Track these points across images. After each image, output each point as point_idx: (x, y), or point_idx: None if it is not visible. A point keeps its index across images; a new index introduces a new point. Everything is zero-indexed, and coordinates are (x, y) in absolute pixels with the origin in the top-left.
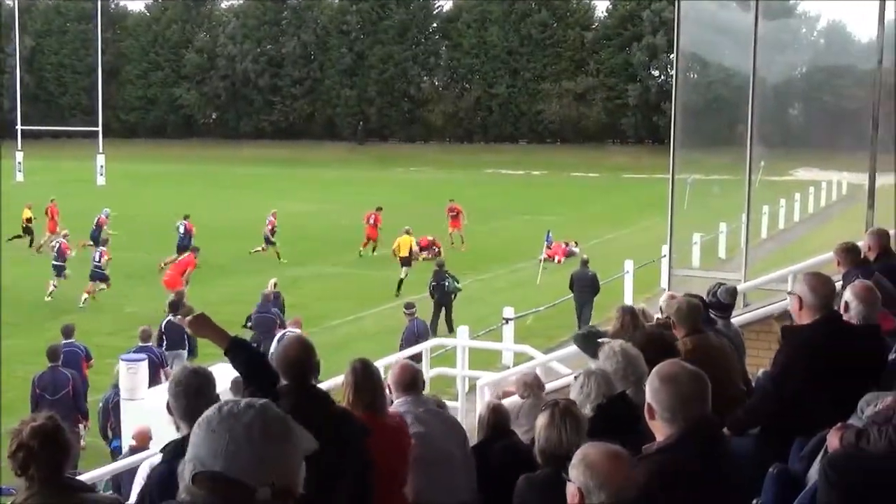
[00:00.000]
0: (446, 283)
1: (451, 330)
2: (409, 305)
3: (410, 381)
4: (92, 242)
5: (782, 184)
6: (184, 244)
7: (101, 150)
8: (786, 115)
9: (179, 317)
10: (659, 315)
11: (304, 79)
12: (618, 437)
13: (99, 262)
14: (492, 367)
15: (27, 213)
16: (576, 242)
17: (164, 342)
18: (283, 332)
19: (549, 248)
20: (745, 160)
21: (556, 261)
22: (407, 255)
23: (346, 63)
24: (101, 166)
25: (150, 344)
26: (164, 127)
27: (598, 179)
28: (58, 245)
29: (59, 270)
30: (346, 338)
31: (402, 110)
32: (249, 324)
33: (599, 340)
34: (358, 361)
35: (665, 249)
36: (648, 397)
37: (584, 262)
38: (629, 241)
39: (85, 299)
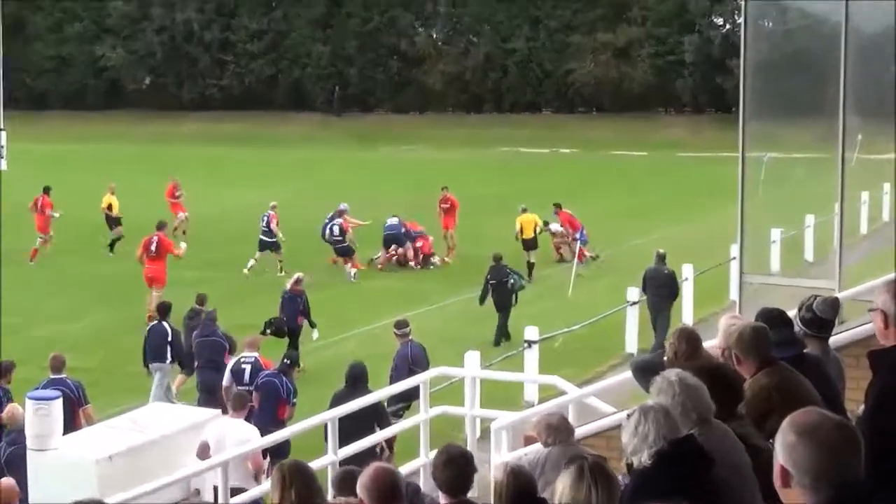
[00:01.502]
0: (511, 281)
1: (502, 340)
2: (400, 324)
3: (389, 494)
4: None
5: (886, 164)
6: (269, 241)
7: (0, 126)
8: (888, 74)
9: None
10: (717, 343)
11: (264, 32)
12: (685, 493)
13: None
14: (511, 405)
15: None
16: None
17: (147, 352)
18: (237, 358)
19: (583, 247)
20: (836, 134)
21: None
22: (532, 235)
23: (318, 11)
24: (1, 146)
25: (62, 375)
26: (84, 95)
27: (646, 160)
28: None
29: None
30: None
31: (390, 72)
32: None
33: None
34: (288, 465)
35: (734, 250)
36: (781, 457)
37: (660, 258)
38: (687, 239)
39: None
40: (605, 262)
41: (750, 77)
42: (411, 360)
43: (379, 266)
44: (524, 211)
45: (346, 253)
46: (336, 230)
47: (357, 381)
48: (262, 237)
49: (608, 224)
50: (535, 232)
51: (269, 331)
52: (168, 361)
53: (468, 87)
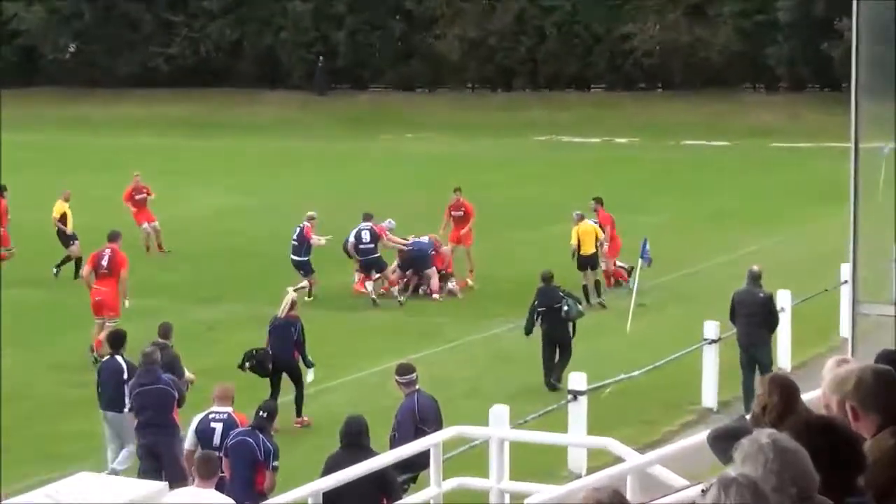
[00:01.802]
0: (566, 307)
1: (556, 383)
2: (404, 370)
3: None
4: None
5: None
6: (302, 257)
7: None
8: None
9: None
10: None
11: None
12: None
13: None
14: (550, 477)
15: None
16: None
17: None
18: (205, 415)
19: (646, 266)
20: None
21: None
22: (594, 250)
23: None
24: None
25: None
26: None
27: (728, 152)
28: None
29: None
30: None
31: (391, 36)
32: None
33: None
34: None
35: (845, 271)
36: None
37: (754, 277)
38: (783, 257)
39: None
40: (668, 287)
41: (866, 43)
42: (418, 416)
43: (379, 291)
44: (581, 219)
45: (378, 267)
46: (366, 236)
47: (356, 440)
48: (293, 256)
49: (680, 236)
50: (596, 246)
51: (248, 365)
52: (127, 409)
53: (493, 57)
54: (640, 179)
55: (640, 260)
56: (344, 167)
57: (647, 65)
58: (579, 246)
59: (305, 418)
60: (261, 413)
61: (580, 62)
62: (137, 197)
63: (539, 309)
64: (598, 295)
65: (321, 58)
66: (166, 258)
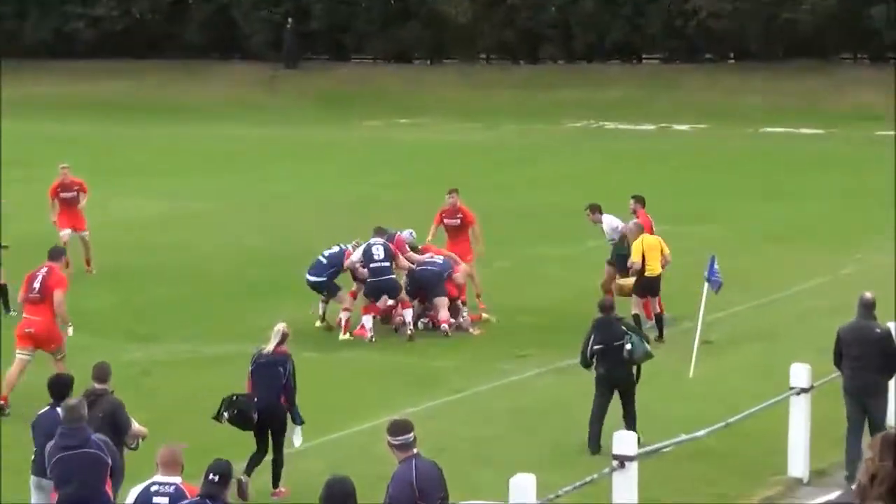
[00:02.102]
0: (629, 345)
1: (631, 427)
2: (398, 429)
3: None
4: None
5: None
6: (322, 277)
7: None
8: None
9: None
10: None
11: None
12: None
13: None
14: None
15: None
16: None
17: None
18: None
19: (714, 291)
20: None
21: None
22: (660, 270)
23: None
24: None
25: None
26: None
27: (820, 140)
28: None
29: None
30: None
31: None
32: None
33: None
34: None
35: None
36: None
37: (866, 307)
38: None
39: None
40: (740, 319)
41: None
42: (417, 488)
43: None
44: (641, 230)
45: (393, 291)
46: (379, 252)
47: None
48: (311, 277)
49: (755, 252)
50: (662, 264)
51: (226, 416)
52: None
53: (514, 20)
54: (705, 178)
55: (705, 283)
56: (318, 161)
57: (716, 29)
58: (644, 264)
59: (283, 489)
60: (211, 477)
61: (627, 25)
62: (64, 195)
63: (595, 347)
64: (661, 332)
65: (290, 19)
66: (91, 279)
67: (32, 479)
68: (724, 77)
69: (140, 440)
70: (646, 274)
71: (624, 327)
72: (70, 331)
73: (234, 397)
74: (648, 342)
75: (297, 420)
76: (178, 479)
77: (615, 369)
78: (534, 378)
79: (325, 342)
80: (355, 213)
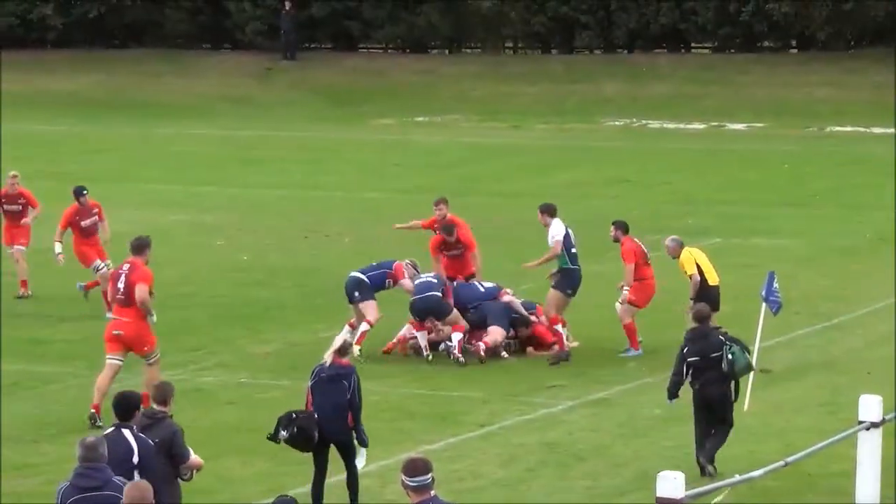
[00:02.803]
0: (729, 356)
1: (707, 466)
2: (414, 469)
3: None
4: None
5: None
6: (370, 280)
7: None
8: None
9: None
10: None
11: None
12: None
13: None
14: None
15: None
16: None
17: None
18: None
19: (773, 312)
20: None
21: None
22: (718, 281)
23: None
24: None
25: None
26: None
27: None
28: None
29: None
30: None
31: None
32: None
33: None
34: None
35: None
36: None
37: None
38: None
39: None
40: (802, 345)
41: None
42: None
43: (383, 351)
44: (681, 246)
45: (439, 312)
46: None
47: None
48: (353, 273)
49: (819, 269)
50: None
51: (284, 434)
52: None
53: (544, 5)
54: (762, 183)
55: (763, 304)
56: (321, 166)
57: (777, 14)
58: (702, 276)
59: None
60: None
61: (674, 11)
62: (8, 207)
63: (690, 360)
64: None
65: (287, 4)
66: (60, 300)
67: None
68: (785, 69)
69: (195, 472)
70: (710, 283)
71: (722, 337)
72: (153, 318)
73: (294, 415)
74: (750, 353)
75: (363, 441)
76: None
77: (711, 385)
78: (566, 412)
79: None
80: (360, 224)
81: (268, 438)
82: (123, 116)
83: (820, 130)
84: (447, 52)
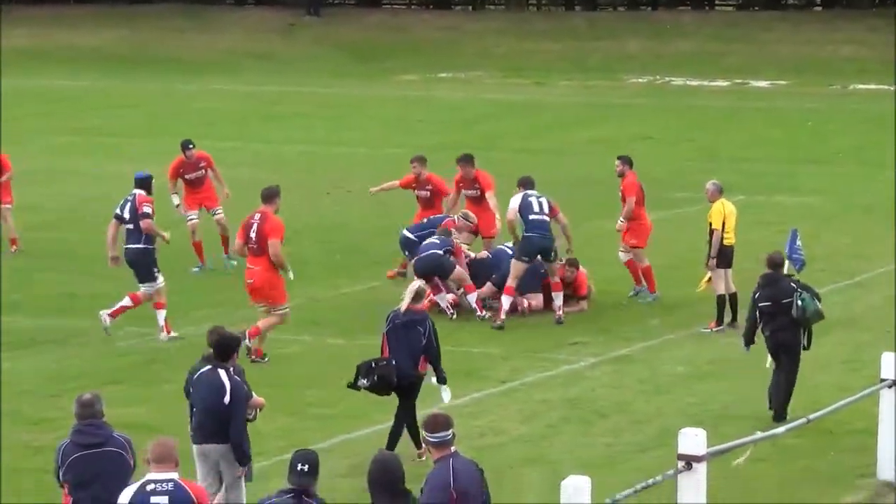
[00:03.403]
0: (799, 302)
1: (782, 400)
2: (434, 425)
3: None
4: None
5: None
6: (420, 240)
7: None
8: None
9: None
10: None
11: None
12: None
13: None
14: None
15: None
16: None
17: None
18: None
19: (796, 270)
20: None
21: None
22: (734, 243)
23: None
24: None
25: None
26: None
27: None
28: None
29: None
30: None
31: None
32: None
33: None
34: None
35: None
36: None
37: None
38: None
39: None
40: (824, 303)
41: None
42: (454, 491)
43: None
44: (720, 192)
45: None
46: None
47: (387, 488)
48: (405, 232)
49: (841, 227)
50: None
51: (364, 382)
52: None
53: None
54: (786, 141)
55: (786, 261)
56: (344, 122)
57: None
58: (724, 231)
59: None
60: (300, 467)
61: None
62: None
63: (761, 305)
64: (734, 313)
65: None
66: (86, 256)
67: (194, 447)
68: (809, 27)
69: (258, 411)
70: (724, 242)
71: (793, 283)
72: (290, 275)
73: (373, 363)
74: (820, 300)
75: (442, 378)
76: (174, 475)
77: (783, 331)
78: (588, 368)
79: (352, 327)
80: (383, 180)
81: (348, 386)
82: (146, 72)
83: (843, 88)
84: (471, 8)
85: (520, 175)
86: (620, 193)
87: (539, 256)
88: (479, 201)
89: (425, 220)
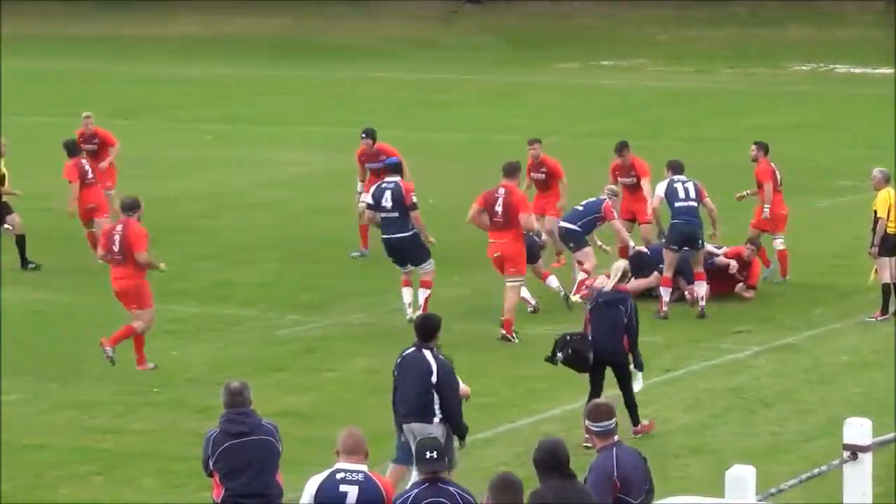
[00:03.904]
0: None
1: None
2: (598, 414)
3: None
4: None
5: None
6: (582, 228)
7: None
8: None
9: None
10: None
11: None
12: None
13: None
14: None
15: None
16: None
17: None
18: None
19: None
20: None
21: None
22: None
23: None
24: None
25: None
26: None
27: None
28: None
29: None
30: None
31: None
32: None
33: None
34: None
35: None
36: None
37: None
38: None
39: None
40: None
41: None
42: (618, 481)
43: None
44: (887, 180)
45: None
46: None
47: (556, 469)
48: (562, 223)
49: None
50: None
51: (560, 357)
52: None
53: None
54: None
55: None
56: (505, 110)
57: None
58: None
59: (645, 423)
60: (428, 455)
61: None
62: (85, 147)
63: None
64: (885, 306)
65: None
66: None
67: (403, 427)
68: None
69: (464, 401)
70: (888, 231)
71: None
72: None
73: (568, 337)
74: None
75: (639, 365)
76: (364, 467)
77: None
78: (752, 357)
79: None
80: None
81: (545, 360)
82: (308, 59)
83: None
84: None
85: (687, 161)
86: (756, 178)
87: (685, 245)
88: (635, 189)
89: (580, 207)
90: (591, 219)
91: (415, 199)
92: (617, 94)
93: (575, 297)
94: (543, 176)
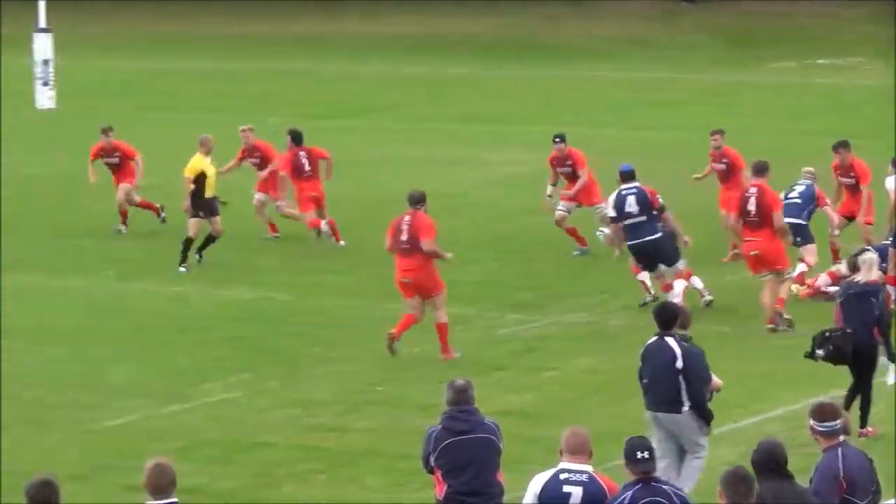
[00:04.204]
0: None
1: None
2: (824, 413)
3: None
4: None
5: None
6: (803, 220)
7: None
8: None
9: None
10: None
11: None
12: None
13: None
14: None
15: None
16: None
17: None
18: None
19: None
20: None
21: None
22: None
23: None
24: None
25: None
26: None
27: None
28: None
29: None
30: None
31: None
32: None
33: None
34: None
35: None
36: None
37: None
38: None
39: None
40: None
41: None
42: (844, 480)
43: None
44: None
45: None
46: None
47: (774, 470)
48: (790, 218)
49: None
50: None
51: (820, 352)
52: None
53: None
54: None
55: None
56: (721, 108)
57: None
58: None
59: (870, 429)
60: (639, 455)
61: None
62: (251, 160)
63: None
64: None
65: None
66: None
67: (647, 413)
68: None
69: (714, 393)
70: None
71: None
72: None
73: (827, 333)
74: None
75: (893, 357)
76: (588, 468)
77: None
78: None
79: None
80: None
81: (805, 356)
82: (523, 60)
83: None
84: None
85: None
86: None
87: None
88: (854, 190)
89: (797, 199)
90: (811, 208)
91: (661, 201)
92: (833, 93)
93: (795, 287)
94: (724, 167)
